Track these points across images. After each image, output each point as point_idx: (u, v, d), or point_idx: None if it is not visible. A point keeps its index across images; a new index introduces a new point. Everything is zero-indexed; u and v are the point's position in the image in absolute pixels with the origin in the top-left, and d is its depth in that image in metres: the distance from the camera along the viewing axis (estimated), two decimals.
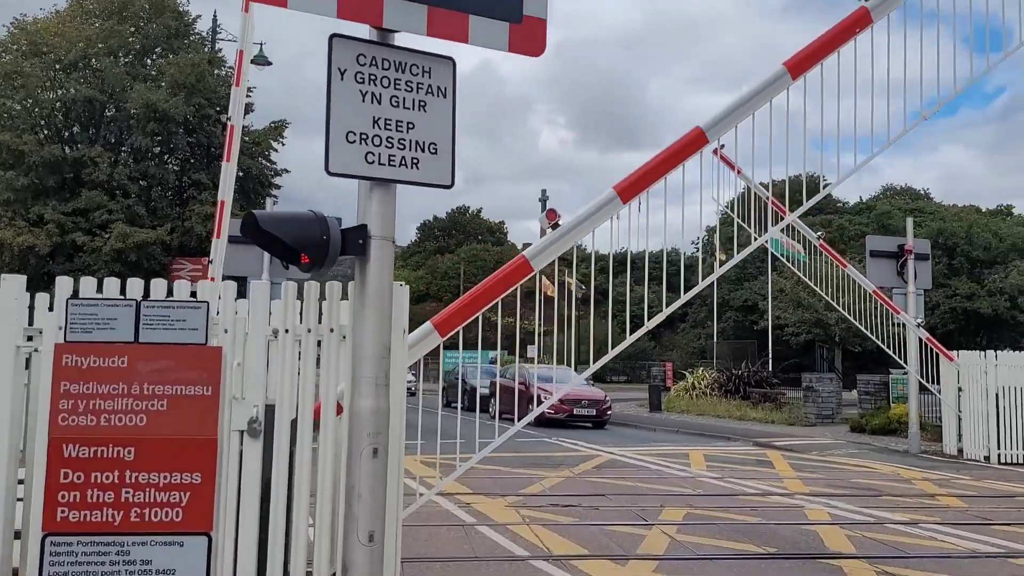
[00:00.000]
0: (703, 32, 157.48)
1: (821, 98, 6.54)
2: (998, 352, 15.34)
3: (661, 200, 6.56)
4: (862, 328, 16.40)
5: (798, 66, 5.85)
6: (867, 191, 75.78)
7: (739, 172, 17.70)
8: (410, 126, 4.07)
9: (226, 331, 4.28)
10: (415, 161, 4.07)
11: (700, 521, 8.93)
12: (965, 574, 7.03)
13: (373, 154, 3.97)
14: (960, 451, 15.53)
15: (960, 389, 15.56)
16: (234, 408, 4.23)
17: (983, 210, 64.39)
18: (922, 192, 72.43)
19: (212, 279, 7.33)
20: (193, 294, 4.37)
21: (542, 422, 20.51)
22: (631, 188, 5.59)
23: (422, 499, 6.09)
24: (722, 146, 17.65)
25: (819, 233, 16.61)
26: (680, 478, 12.35)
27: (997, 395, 14.92)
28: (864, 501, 10.41)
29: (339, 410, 4.41)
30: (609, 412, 22.13)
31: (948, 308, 47.38)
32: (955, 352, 16.06)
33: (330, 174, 3.87)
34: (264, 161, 30.25)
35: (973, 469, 13.87)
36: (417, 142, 4.08)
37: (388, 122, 4.03)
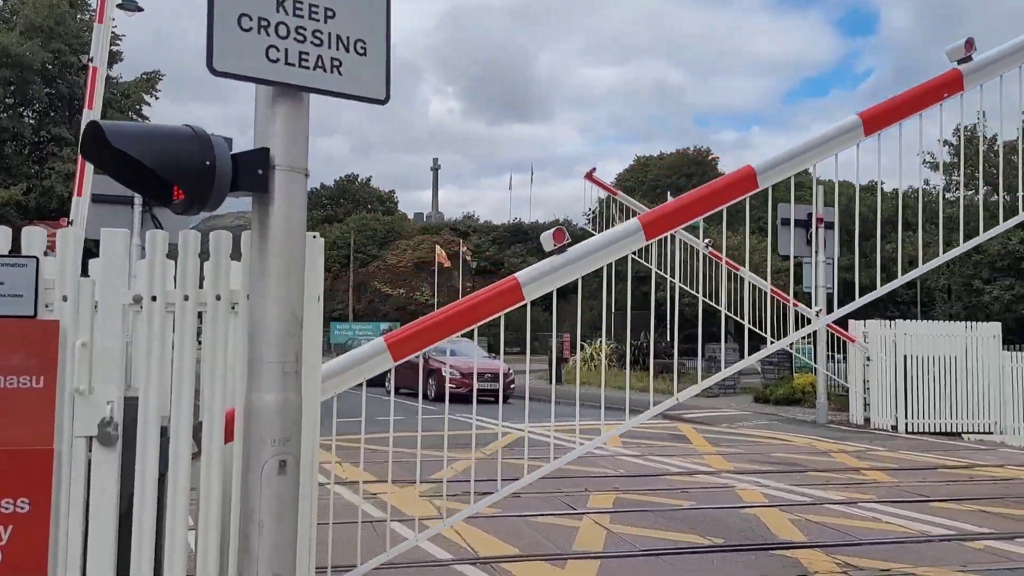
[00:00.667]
0: (593, 4, 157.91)
1: (899, 165, 5.50)
2: (904, 322, 15.32)
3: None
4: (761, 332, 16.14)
5: (874, 120, 4.90)
6: None
7: (615, 193, 17.27)
8: (329, 14, 2.95)
9: (65, 298, 3.06)
10: (335, 63, 2.96)
11: (632, 508, 8.17)
12: (923, 560, 6.50)
13: (278, 49, 2.83)
14: (867, 421, 15.49)
15: (868, 359, 15.48)
16: (78, 406, 3.03)
17: (855, 186, 67.17)
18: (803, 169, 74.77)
19: None
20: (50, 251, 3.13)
21: (442, 398, 19.52)
22: (658, 224, 4.56)
23: (402, 546, 4.94)
24: (593, 169, 17.37)
25: (707, 241, 16.52)
26: (598, 457, 11.60)
27: (904, 365, 14.90)
28: (792, 478, 9.94)
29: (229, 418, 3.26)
30: (513, 385, 21.36)
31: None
32: (862, 322, 15.99)
33: (215, 73, 2.71)
34: (135, 116, 27.73)
35: (884, 439, 13.77)
36: (339, 37, 2.97)
37: (299, 6, 2.90)
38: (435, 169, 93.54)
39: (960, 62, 4.74)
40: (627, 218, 16.04)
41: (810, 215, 16.07)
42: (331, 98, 2.94)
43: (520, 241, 64.79)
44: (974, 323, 15.67)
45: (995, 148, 26.48)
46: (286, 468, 2.81)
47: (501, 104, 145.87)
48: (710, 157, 68.60)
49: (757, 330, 11.03)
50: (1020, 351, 15.72)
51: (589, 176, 17.46)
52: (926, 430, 14.78)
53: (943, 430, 14.85)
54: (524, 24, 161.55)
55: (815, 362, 16.59)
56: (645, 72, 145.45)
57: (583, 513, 7.89)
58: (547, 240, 4.34)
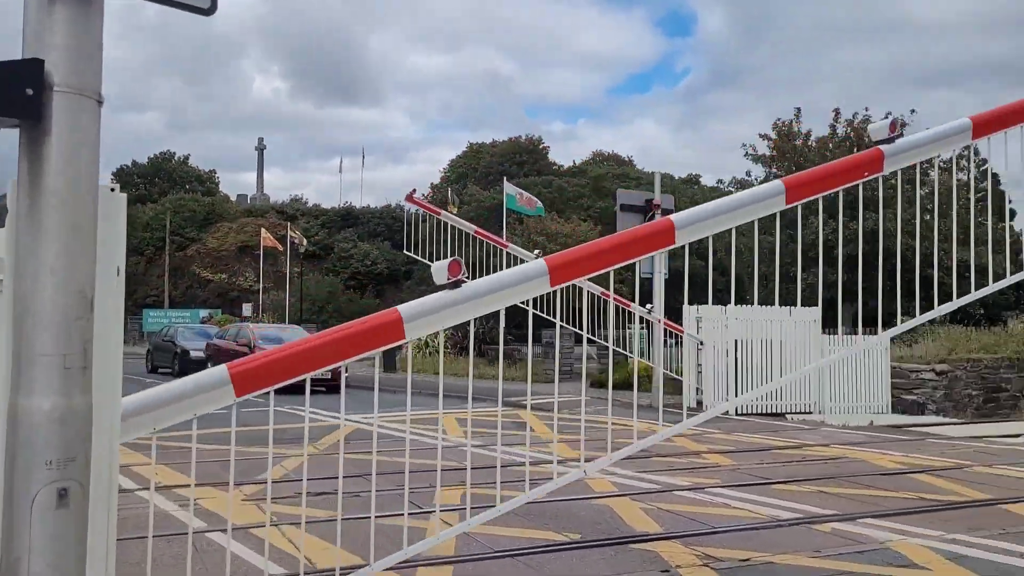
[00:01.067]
0: None
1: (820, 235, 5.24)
2: (735, 306, 15.78)
3: None
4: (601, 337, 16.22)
5: (796, 191, 4.54)
6: (579, 156, 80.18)
7: (439, 212, 16.77)
8: None
9: None
10: None
11: (483, 503, 7.68)
12: (778, 547, 6.42)
13: None
14: (700, 404, 15.84)
15: (701, 344, 15.82)
16: None
17: (676, 178, 70.15)
18: (627, 159, 77.63)
19: None
20: None
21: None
22: (564, 270, 3.96)
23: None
24: (413, 191, 16.87)
25: (537, 252, 16.74)
26: (443, 449, 11.06)
27: (735, 348, 15.34)
28: (638, 464, 9.81)
29: None
30: (345, 374, 20.39)
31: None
32: (695, 307, 16.33)
33: None
34: None
35: (718, 422, 14.08)
36: None
37: None
38: (260, 150, 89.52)
39: (882, 142, 4.64)
40: (451, 236, 15.64)
41: (648, 201, 16.25)
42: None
43: (351, 225, 63.10)
44: (796, 308, 16.40)
45: (809, 143, 28.28)
46: (68, 499, 2.06)
47: (330, 86, 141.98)
48: (541, 146, 69.59)
49: (577, 329, 11.20)
50: (835, 334, 16.62)
51: (410, 198, 16.79)
52: (754, 411, 15.30)
53: (769, 411, 15.42)
54: (354, 5, 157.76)
55: (652, 347, 16.84)
56: (476, 60, 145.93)
57: (431, 512, 7.33)
58: (440, 272, 3.66)
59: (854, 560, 6.13)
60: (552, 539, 6.51)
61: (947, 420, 15.27)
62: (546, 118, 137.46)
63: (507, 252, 17.25)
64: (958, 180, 28.04)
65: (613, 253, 4.10)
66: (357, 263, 57.96)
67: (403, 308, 3.75)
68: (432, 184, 70.73)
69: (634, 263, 4.16)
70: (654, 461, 10.13)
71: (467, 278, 3.74)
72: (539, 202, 17.07)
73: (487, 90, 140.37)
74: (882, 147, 4.54)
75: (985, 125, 4.59)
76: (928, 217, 25.08)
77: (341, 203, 70.09)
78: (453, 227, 16.56)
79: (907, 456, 10.79)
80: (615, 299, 17.61)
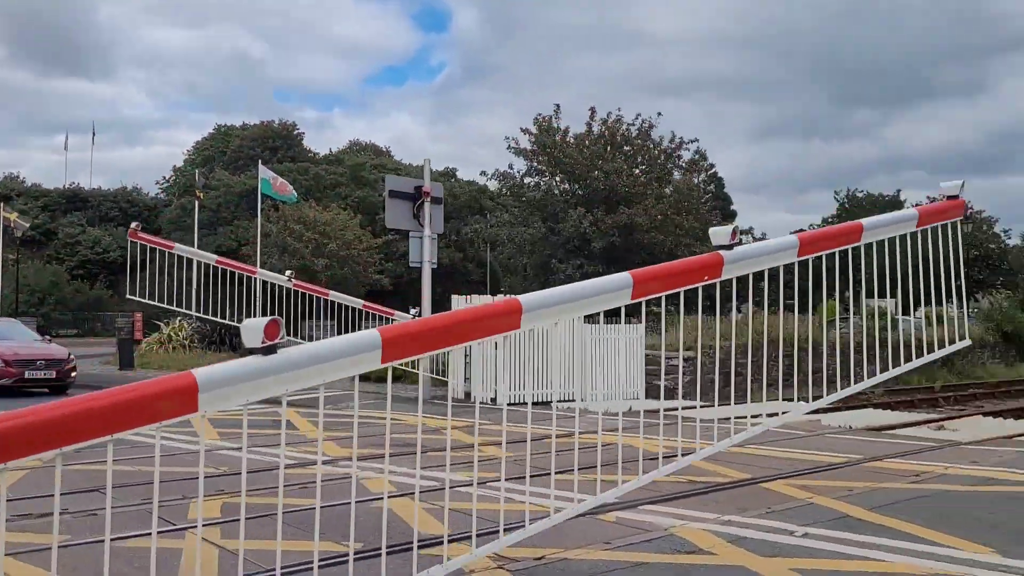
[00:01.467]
0: None
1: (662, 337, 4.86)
2: (504, 295, 15.79)
3: None
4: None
5: (642, 286, 4.51)
6: (335, 144, 78.37)
7: (171, 247, 15.27)
8: None
9: None
10: None
11: (247, 514, 6.82)
12: (569, 540, 6.24)
13: None
14: (467, 395, 15.69)
15: None
16: None
17: (433, 171, 70.71)
18: (384, 149, 77.00)
19: None
20: None
21: None
22: (397, 344, 3.40)
23: None
24: (137, 226, 15.30)
25: (289, 273, 16.36)
26: (198, 454, 9.91)
27: (504, 339, 15.34)
28: (413, 461, 9.36)
29: None
30: (74, 374, 18.08)
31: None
32: (464, 297, 16.14)
33: None
34: None
35: (489, 412, 13.97)
36: None
37: None
38: None
39: (723, 247, 4.68)
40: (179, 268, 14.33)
41: (418, 188, 15.79)
42: None
43: (78, 209, 57.07)
44: None
45: (568, 138, 29.28)
46: None
47: (53, 54, 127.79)
48: (296, 132, 67.05)
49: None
50: (595, 324, 17.16)
51: (134, 234, 15.04)
52: (521, 400, 15.38)
53: (535, 400, 15.57)
54: None
55: None
56: (223, 39, 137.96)
57: (185, 528, 6.39)
58: (253, 332, 2.98)
59: (645, 550, 6.08)
60: (331, 550, 5.87)
61: (697, 404, 16.25)
62: (298, 104, 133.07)
63: (257, 279, 16.24)
64: (696, 180, 30.45)
65: (454, 331, 3.71)
66: (86, 250, 52.49)
67: (199, 375, 3.00)
68: (175, 167, 65.75)
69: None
70: (433, 456, 9.72)
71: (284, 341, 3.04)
72: (292, 189, 16.10)
73: (235, 71, 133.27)
74: (723, 253, 4.62)
75: (809, 245, 5.13)
76: (672, 213, 26.99)
77: (67, 184, 63.11)
78: (189, 260, 15.24)
79: (668, 440, 11.19)
80: (366, 306, 17.24)
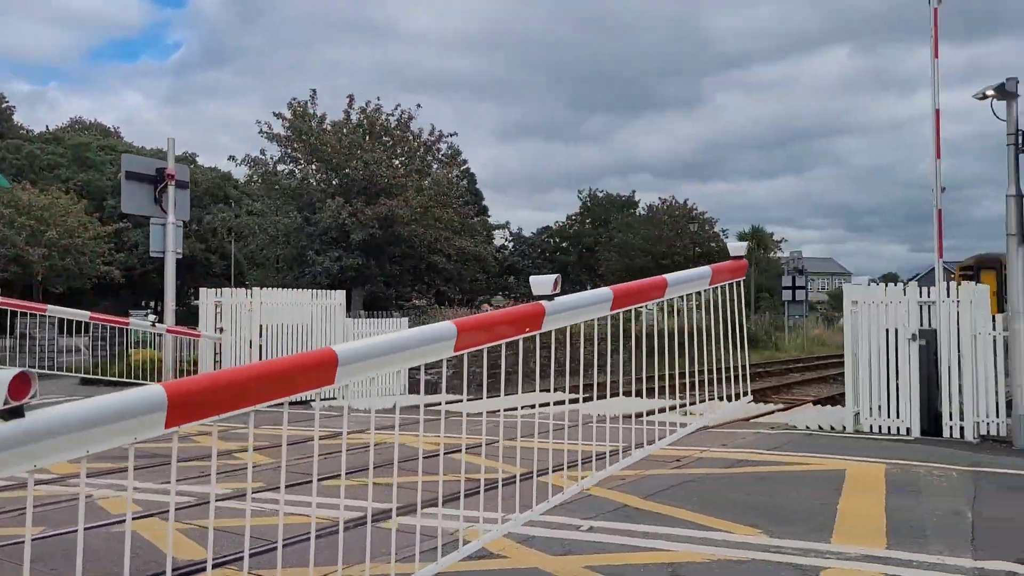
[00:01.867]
0: None
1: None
2: (262, 289, 14.75)
3: None
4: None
5: (465, 336, 4.04)
6: (52, 121, 70.56)
7: None
8: None
9: None
10: None
11: None
12: (353, 555, 5.74)
13: None
14: None
15: (221, 330, 14.49)
16: None
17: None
18: (112, 129, 70.50)
19: None
20: None
21: None
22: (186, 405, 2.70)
23: None
24: None
25: None
26: None
27: (260, 334, 14.33)
28: (160, 474, 8.35)
29: None
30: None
31: (147, 248, 46.94)
32: (215, 291, 14.93)
33: None
34: None
35: (244, 416, 12.96)
36: None
37: None
38: None
39: (543, 298, 4.45)
40: None
41: (160, 171, 14.30)
42: None
43: None
44: (321, 291, 15.95)
45: (324, 125, 28.15)
46: None
47: None
48: (4, 105, 59.60)
49: None
50: (358, 317, 16.56)
51: None
52: (300, 399, 14.49)
53: (294, 399, 14.73)
54: None
55: (158, 334, 14.94)
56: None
57: None
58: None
59: (433, 559, 5.72)
60: None
61: (463, 397, 16.15)
62: (4, 76, 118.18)
63: None
64: (453, 174, 30.58)
65: (252, 391, 3.15)
66: None
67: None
68: None
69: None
70: (180, 468, 8.70)
71: None
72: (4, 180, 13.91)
73: None
74: (544, 304, 4.41)
75: (622, 299, 5.15)
76: (432, 206, 26.85)
77: None
78: None
79: (440, 436, 10.96)
80: (93, 317, 15.07)
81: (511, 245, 53.57)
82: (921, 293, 11.02)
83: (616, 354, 20.44)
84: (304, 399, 15.40)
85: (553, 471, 8.63)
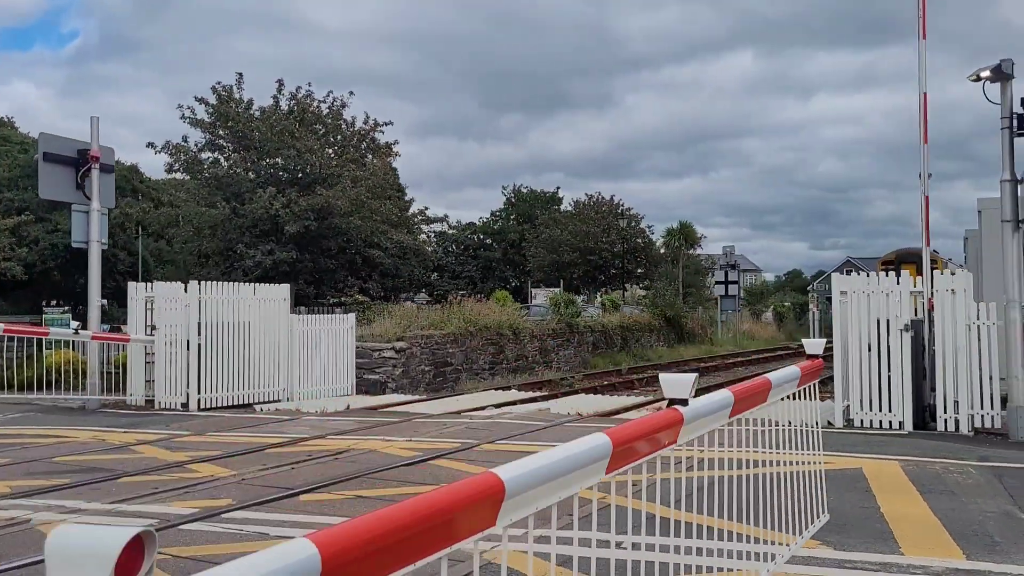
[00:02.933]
0: None
1: None
2: (201, 283, 13.46)
3: None
4: None
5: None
6: None
7: None
8: None
9: None
10: None
11: None
12: None
13: None
14: (151, 401, 13.19)
15: (153, 328, 13.17)
16: None
17: None
18: (6, 119, 66.30)
19: None
20: None
21: None
22: None
23: None
24: None
25: None
26: None
27: (199, 332, 13.07)
28: (107, 491, 7.22)
29: None
30: None
31: (49, 243, 44.07)
32: (144, 284, 13.61)
33: None
34: None
35: (182, 420, 11.72)
36: None
37: None
38: None
39: (678, 402, 3.30)
40: None
41: (83, 152, 12.89)
42: None
43: None
44: (264, 286, 14.75)
45: (252, 111, 26.56)
46: None
47: None
48: None
49: None
50: (302, 314, 15.42)
51: None
52: (219, 404, 13.25)
53: (236, 402, 13.54)
54: None
55: (79, 336, 13.50)
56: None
57: None
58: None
59: None
60: None
61: (419, 397, 15.26)
62: None
63: None
64: (390, 166, 29.39)
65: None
66: None
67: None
68: None
69: None
70: (129, 484, 7.59)
71: None
72: None
73: None
74: (682, 410, 3.24)
75: (740, 403, 4.07)
76: (369, 198, 25.60)
77: None
78: None
79: (411, 441, 10.05)
80: (7, 330, 13.25)
81: (434, 241, 52.41)
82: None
83: (563, 350, 19.74)
84: (247, 402, 13.85)
85: None
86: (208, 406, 13.07)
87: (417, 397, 15.29)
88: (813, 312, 44.55)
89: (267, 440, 10.06)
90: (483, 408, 13.42)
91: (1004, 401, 10.06)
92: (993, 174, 10.51)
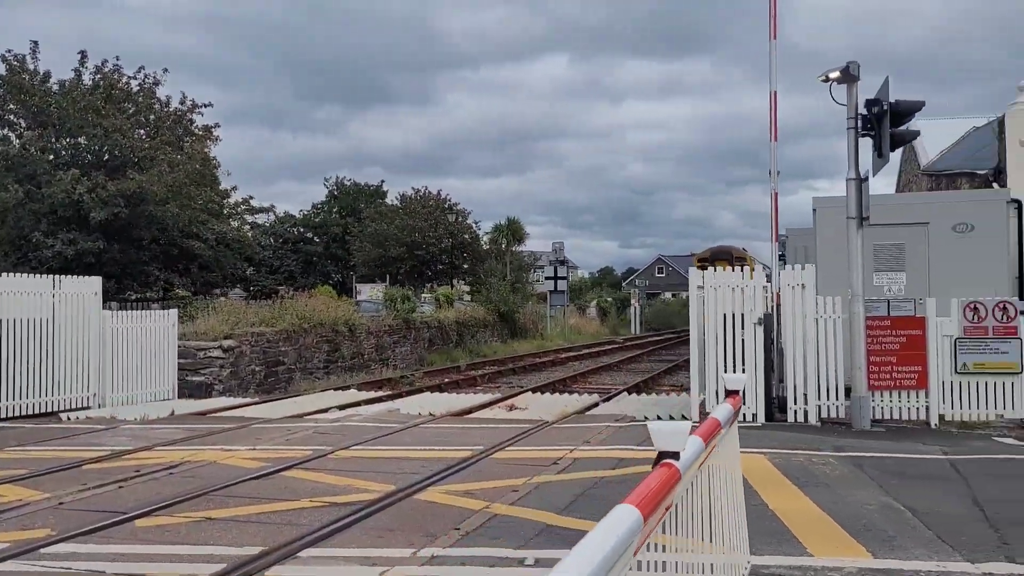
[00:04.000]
0: None
1: None
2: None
3: None
4: None
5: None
6: None
7: None
8: None
9: None
10: None
11: None
12: None
13: None
14: None
15: None
16: None
17: None
18: None
19: None
20: None
21: None
22: None
23: None
24: None
25: None
26: None
27: None
28: None
29: None
30: None
31: None
32: None
33: None
34: None
35: None
36: None
37: None
38: None
39: (670, 456, 2.72)
40: None
41: None
42: None
43: None
44: (71, 278, 13.01)
45: (50, 84, 23.64)
46: None
47: None
48: None
49: None
50: (114, 310, 13.81)
51: None
52: (16, 413, 11.54)
53: (37, 410, 11.86)
54: None
55: None
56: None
57: None
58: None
59: None
60: None
61: (251, 400, 14.01)
62: None
63: None
64: (210, 151, 27.30)
65: None
66: None
67: None
68: None
69: None
70: None
71: None
72: None
73: None
74: (675, 464, 2.71)
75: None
76: (188, 184, 23.54)
77: None
78: None
79: (255, 450, 9.08)
80: None
81: (249, 234, 49.73)
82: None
83: (399, 347, 18.96)
84: (51, 410, 12.16)
85: (428, 485, 7.22)
86: (3, 416, 11.35)
87: (250, 400, 14.08)
88: (635, 307, 46.24)
89: (83, 454, 8.75)
90: (326, 410, 12.51)
91: (848, 392, 10.44)
92: (782, 179, 10.91)
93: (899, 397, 10.55)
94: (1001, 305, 10.34)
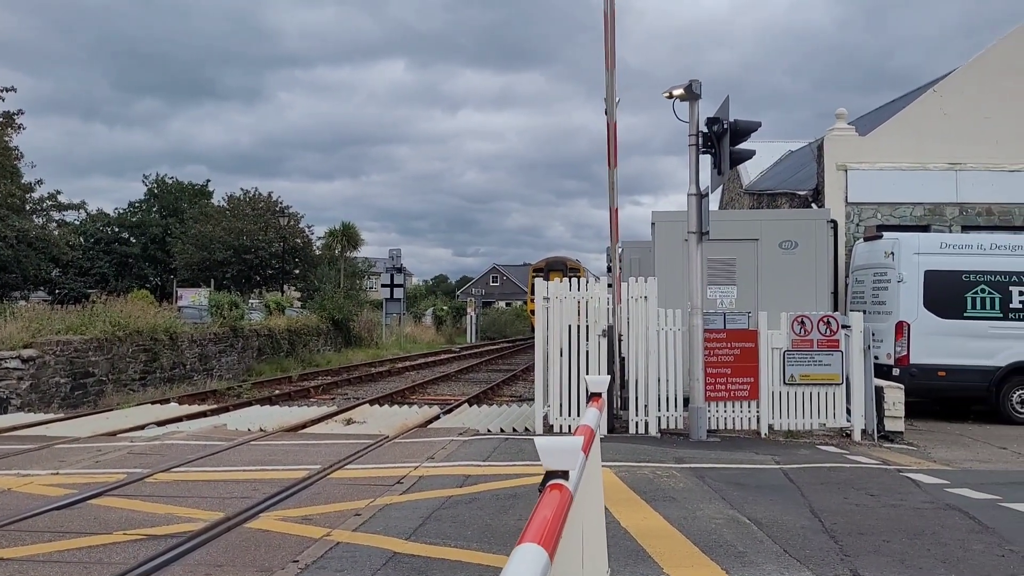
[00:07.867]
0: None
1: None
2: None
3: None
4: None
5: None
6: None
7: None
8: None
9: None
10: None
11: None
12: None
13: None
14: None
15: None
16: None
17: None
18: None
19: None
20: None
21: None
22: None
23: None
24: None
25: None
26: None
27: None
28: None
29: None
30: None
31: None
32: None
33: None
34: None
35: None
36: None
37: None
38: None
39: (559, 475, 2.40)
40: None
41: None
42: None
43: None
44: None
45: None
46: None
47: None
48: None
49: None
50: None
51: None
52: None
53: None
54: None
55: None
56: None
57: None
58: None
59: None
60: None
61: (55, 416, 12.56)
62: None
63: None
64: (12, 139, 24.69)
65: None
66: None
67: None
68: None
69: None
70: None
71: None
72: None
73: None
74: (564, 484, 2.41)
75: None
76: None
77: None
78: None
79: (58, 475, 8.08)
80: None
81: (56, 232, 45.73)
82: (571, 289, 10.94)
83: (226, 356, 17.84)
84: None
85: (261, 511, 6.61)
86: None
87: (53, 416, 12.68)
88: (471, 316, 46.20)
89: None
90: (143, 427, 11.45)
91: (687, 402, 10.65)
92: (604, 194, 11.14)
93: (733, 408, 10.88)
94: (825, 319, 10.89)
